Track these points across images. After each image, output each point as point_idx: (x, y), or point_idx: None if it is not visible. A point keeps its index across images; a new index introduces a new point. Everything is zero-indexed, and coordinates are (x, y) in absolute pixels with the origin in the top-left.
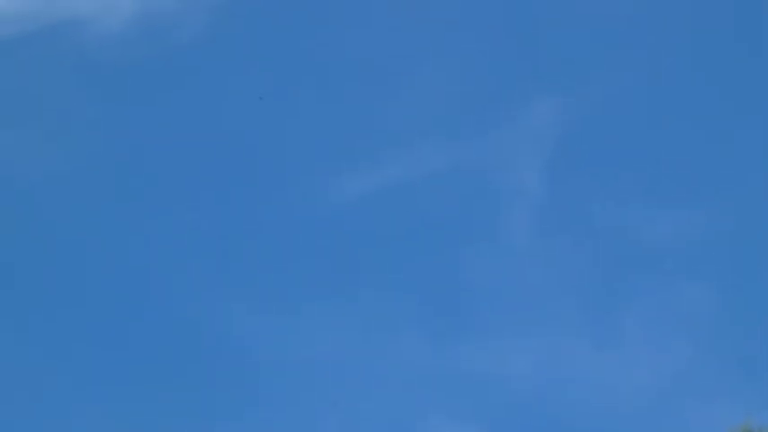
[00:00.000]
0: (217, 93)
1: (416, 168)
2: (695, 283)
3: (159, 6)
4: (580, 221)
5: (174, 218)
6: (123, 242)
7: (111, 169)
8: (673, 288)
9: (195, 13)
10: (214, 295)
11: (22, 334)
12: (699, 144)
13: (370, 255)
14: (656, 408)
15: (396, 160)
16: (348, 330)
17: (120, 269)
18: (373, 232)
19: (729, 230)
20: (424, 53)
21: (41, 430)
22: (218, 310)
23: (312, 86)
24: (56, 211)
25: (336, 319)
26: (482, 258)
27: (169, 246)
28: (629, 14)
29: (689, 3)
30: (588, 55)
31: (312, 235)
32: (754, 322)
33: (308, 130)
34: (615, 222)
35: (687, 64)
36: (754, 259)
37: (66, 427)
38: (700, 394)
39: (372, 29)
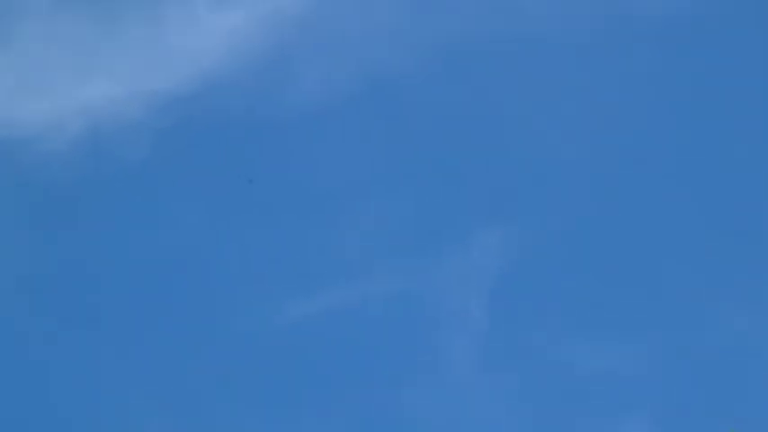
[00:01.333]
0: (163, 215)
1: (359, 297)
2: (636, 417)
3: (106, 127)
4: (523, 354)
5: (113, 343)
6: (62, 366)
7: (51, 290)
8: (613, 422)
9: (142, 135)
10: (154, 422)
11: None
12: (639, 278)
13: (309, 384)
14: None
15: (339, 288)
16: None
17: (56, 393)
18: (315, 360)
19: (670, 365)
20: (370, 182)
21: None
22: None
23: (258, 211)
24: None
25: None
26: (423, 390)
27: (107, 372)
28: (569, 150)
29: (619, 143)
30: (531, 186)
31: (253, 361)
32: None
33: (253, 254)
34: (557, 356)
35: (624, 197)
36: (693, 394)
37: None
38: None
39: (319, 157)
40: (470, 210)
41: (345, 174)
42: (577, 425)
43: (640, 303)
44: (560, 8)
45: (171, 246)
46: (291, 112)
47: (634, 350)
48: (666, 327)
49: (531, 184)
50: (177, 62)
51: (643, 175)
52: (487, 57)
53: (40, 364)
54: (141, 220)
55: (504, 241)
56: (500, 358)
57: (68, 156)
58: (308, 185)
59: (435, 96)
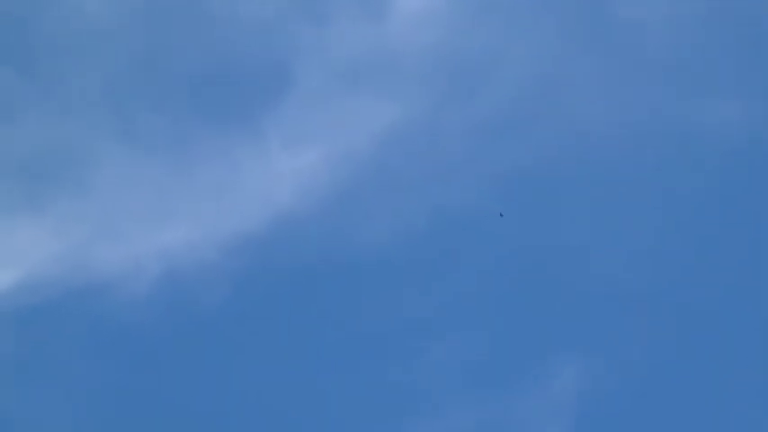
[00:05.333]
0: (240, 359)
1: (440, 427)
2: None
3: (183, 270)
4: None
5: None
6: None
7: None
8: None
9: (218, 277)
10: None
11: None
12: (724, 406)
13: None
14: None
15: (417, 422)
16: None
17: None
18: None
19: None
20: (444, 317)
21: None
22: None
23: (335, 349)
24: None
25: None
26: None
27: None
28: (643, 275)
29: (695, 266)
30: (610, 314)
31: None
32: None
33: (331, 391)
34: None
35: (703, 322)
36: None
37: None
38: None
39: (391, 295)
40: (548, 339)
41: (419, 310)
42: None
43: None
44: (619, 131)
45: (249, 387)
46: (363, 250)
47: None
48: None
49: (611, 311)
50: (252, 204)
51: (720, 297)
52: (555, 186)
53: None
54: (219, 363)
55: (584, 372)
56: None
57: (147, 300)
58: (381, 323)
59: (505, 228)
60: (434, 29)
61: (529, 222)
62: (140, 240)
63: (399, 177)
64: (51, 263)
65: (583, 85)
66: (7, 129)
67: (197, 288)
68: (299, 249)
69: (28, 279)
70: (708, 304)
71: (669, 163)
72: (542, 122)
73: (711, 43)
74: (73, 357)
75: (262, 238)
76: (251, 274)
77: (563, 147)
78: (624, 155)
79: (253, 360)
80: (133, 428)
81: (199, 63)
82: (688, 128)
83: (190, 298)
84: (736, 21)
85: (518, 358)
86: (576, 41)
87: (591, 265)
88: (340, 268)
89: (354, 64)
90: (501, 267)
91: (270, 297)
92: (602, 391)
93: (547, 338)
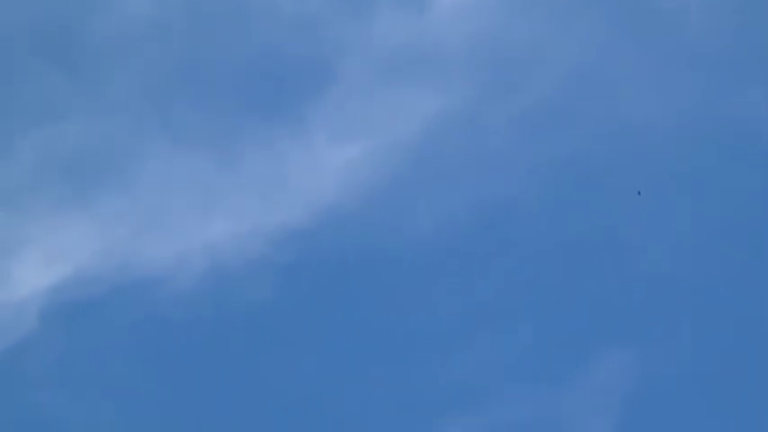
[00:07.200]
0: (284, 351)
1: (482, 425)
2: None
3: (229, 264)
4: None
5: None
6: None
7: (180, 426)
8: None
9: (264, 271)
10: None
11: None
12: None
13: None
14: None
15: (462, 416)
16: None
17: None
18: None
19: None
20: (489, 310)
21: None
22: None
23: (381, 345)
24: None
25: None
26: None
27: None
28: (687, 268)
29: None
30: (657, 308)
31: None
32: None
33: (379, 386)
34: None
35: (746, 315)
36: None
37: None
38: None
39: (437, 287)
40: (593, 334)
41: (464, 303)
42: None
43: None
44: (665, 122)
45: (294, 382)
46: (409, 243)
47: None
48: None
49: (658, 305)
50: (297, 198)
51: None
52: (600, 177)
53: None
54: (265, 356)
55: (631, 365)
56: None
57: (193, 294)
58: (427, 316)
59: (549, 220)
60: (477, 20)
61: (574, 215)
62: (186, 235)
63: (445, 169)
64: (97, 259)
65: (628, 76)
66: (53, 128)
67: (243, 282)
68: (345, 242)
69: (74, 275)
70: (758, 298)
71: (716, 154)
72: (587, 113)
73: (759, 31)
74: (119, 352)
75: (307, 231)
76: (297, 267)
77: (608, 138)
78: (669, 146)
79: (297, 353)
80: (180, 425)
81: (241, 58)
82: (736, 118)
83: (236, 292)
84: None
85: (563, 353)
86: (621, 32)
87: (636, 258)
88: (386, 261)
89: (398, 56)
90: (545, 260)
91: (316, 291)
92: (648, 385)
93: (592, 333)
